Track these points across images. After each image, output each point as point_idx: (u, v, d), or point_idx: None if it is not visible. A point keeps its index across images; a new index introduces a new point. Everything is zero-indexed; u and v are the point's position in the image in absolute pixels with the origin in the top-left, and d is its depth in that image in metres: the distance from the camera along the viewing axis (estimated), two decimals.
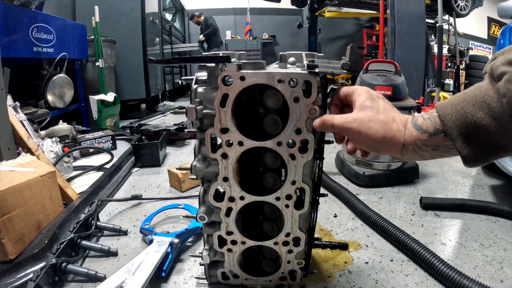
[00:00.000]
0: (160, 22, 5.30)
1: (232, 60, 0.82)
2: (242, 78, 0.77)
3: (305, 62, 0.88)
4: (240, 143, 0.82)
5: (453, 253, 1.33)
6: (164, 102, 5.53)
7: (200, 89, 0.86)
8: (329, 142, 0.92)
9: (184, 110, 0.82)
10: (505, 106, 0.53)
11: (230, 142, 0.83)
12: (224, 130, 0.81)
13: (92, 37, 3.63)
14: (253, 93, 0.84)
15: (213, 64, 0.83)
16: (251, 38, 9.43)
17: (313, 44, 7.80)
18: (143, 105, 4.66)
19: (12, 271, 1.16)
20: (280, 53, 0.99)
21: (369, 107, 0.67)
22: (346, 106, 0.76)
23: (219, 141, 0.87)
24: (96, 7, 3.58)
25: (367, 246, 1.39)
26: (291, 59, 0.96)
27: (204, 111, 0.82)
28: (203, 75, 0.89)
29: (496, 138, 0.55)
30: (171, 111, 5.09)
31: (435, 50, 4.92)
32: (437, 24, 4.32)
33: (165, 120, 4.29)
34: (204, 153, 0.88)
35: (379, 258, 1.30)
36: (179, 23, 8.43)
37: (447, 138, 0.59)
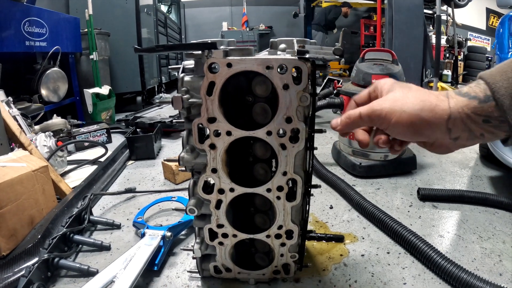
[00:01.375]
0: (155, 14, 5.23)
1: (220, 47, 0.79)
2: (229, 65, 0.75)
3: (296, 48, 0.85)
4: (228, 133, 0.79)
5: (451, 246, 1.31)
6: (160, 95, 5.48)
7: (187, 78, 0.83)
8: (321, 131, 0.89)
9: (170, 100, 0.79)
10: None
11: (218, 132, 0.80)
12: (211, 120, 0.79)
13: (86, 30, 3.58)
14: (241, 80, 0.81)
15: (200, 52, 0.80)
16: (247, 29, 9.38)
17: (309, 34, 7.75)
18: (139, 98, 4.62)
19: (5, 267, 1.15)
20: (271, 39, 0.96)
21: (399, 88, 0.57)
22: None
23: (207, 131, 0.84)
24: (89, 0, 3.53)
25: (363, 238, 1.37)
26: (282, 46, 0.93)
27: (190, 100, 0.79)
28: (190, 63, 0.86)
29: None
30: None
31: (434, 40, 4.87)
32: (435, 14, 4.27)
33: (161, 112, 4.25)
34: (192, 143, 0.85)
35: (375, 250, 1.28)
36: (175, 15, 8.35)
37: (498, 108, 0.50)
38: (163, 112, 4.23)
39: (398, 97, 0.55)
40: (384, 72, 1.94)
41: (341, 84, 3.42)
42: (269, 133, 0.79)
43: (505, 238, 1.35)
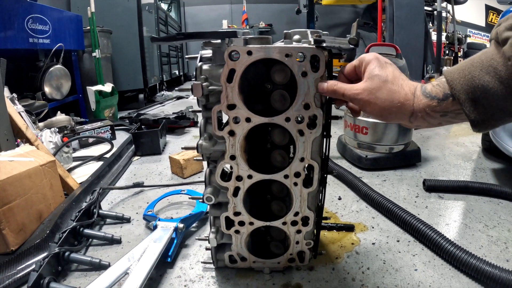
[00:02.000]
0: (156, 12, 5.24)
1: (239, 36, 0.80)
2: (249, 53, 0.76)
3: (311, 38, 0.86)
4: (248, 120, 0.80)
5: (458, 234, 1.33)
6: (162, 92, 5.49)
7: (205, 66, 0.84)
8: (337, 117, 0.90)
9: (190, 88, 0.80)
10: (510, 69, 0.53)
11: (237, 118, 0.81)
12: (231, 107, 0.80)
13: (88, 27, 3.58)
14: (260, 68, 0.82)
15: (219, 41, 0.81)
16: (247, 27, 9.34)
17: None
18: (141, 96, 4.63)
19: (14, 262, 1.14)
20: (285, 31, 0.97)
21: (377, 76, 0.67)
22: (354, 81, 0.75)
23: (224, 119, 0.85)
24: None
25: (373, 227, 1.38)
26: (296, 37, 0.94)
27: (210, 88, 0.80)
28: (207, 52, 0.87)
29: (504, 102, 0.56)
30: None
31: (434, 37, 4.89)
32: (436, 11, 4.28)
33: (164, 109, 4.27)
34: (210, 131, 0.86)
35: (385, 239, 1.30)
36: (175, 13, 8.35)
37: (455, 102, 0.59)
38: (166, 109, 4.24)
39: (374, 88, 0.67)
40: None
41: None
42: (287, 119, 0.81)
43: (510, 226, 1.36)
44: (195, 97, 0.81)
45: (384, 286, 1.05)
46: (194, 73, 0.87)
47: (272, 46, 0.76)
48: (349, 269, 1.13)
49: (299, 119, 0.82)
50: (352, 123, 2.09)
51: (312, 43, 0.80)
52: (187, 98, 5.32)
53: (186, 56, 0.96)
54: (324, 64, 0.77)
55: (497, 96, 0.55)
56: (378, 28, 6.31)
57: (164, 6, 7.29)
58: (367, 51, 2.13)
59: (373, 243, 1.27)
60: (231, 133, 0.83)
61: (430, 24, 6.19)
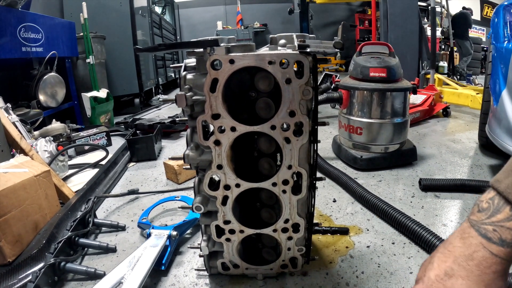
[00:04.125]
0: (149, 16, 5.24)
1: (221, 44, 0.80)
2: (232, 61, 0.75)
3: (296, 43, 0.85)
4: (233, 129, 0.80)
5: None
6: (158, 96, 5.49)
7: (189, 76, 0.83)
8: (324, 124, 0.90)
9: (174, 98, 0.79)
10: None
11: (222, 128, 0.81)
12: (216, 116, 0.79)
13: (82, 34, 3.58)
14: (243, 76, 0.81)
15: (201, 50, 0.80)
16: (242, 27, 9.36)
17: (305, 30, 7.75)
18: (137, 100, 4.63)
19: (12, 274, 1.15)
20: (270, 35, 0.97)
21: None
22: None
23: (211, 128, 0.84)
24: (84, 4, 3.52)
25: (368, 230, 1.38)
26: (282, 41, 0.93)
27: (194, 98, 0.79)
28: (192, 61, 0.86)
29: None
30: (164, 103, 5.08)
31: (429, 32, 4.88)
32: (430, 6, 4.28)
33: (160, 113, 4.26)
34: (196, 141, 0.86)
35: (380, 241, 1.29)
36: (169, 16, 8.35)
37: None
38: (162, 113, 4.24)
39: None
40: (381, 65, 1.94)
41: (338, 78, 3.43)
42: (273, 127, 0.80)
43: None
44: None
45: None
46: (178, 83, 0.86)
47: (254, 53, 0.76)
48: (343, 274, 1.12)
49: (285, 126, 0.81)
50: (347, 124, 2.08)
51: (296, 48, 0.79)
52: None
53: (171, 66, 0.96)
54: (309, 70, 0.77)
55: None
56: (373, 26, 6.31)
57: (158, 9, 7.29)
58: (360, 50, 2.13)
59: (368, 246, 1.27)
60: (217, 143, 0.82)
61: (425, 20, 6.18)
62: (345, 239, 1.32)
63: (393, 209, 1.38)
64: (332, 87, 2.24)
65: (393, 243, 1.28)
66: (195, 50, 0.81)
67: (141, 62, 4.65)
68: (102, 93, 3.56)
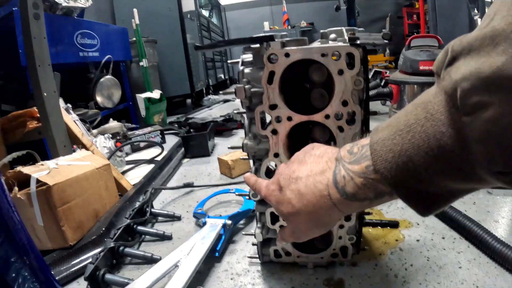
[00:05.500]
0: (197, 19, 5.40)
1: (276, 39, 0.84)
2: (287, 55, 0.80)
3: (346, 36, 0.88)
4: (289, 118, 0.84)
5: (507, 231, 1.27)
6: (209, 96, 5.64)
7: (247, 70, 0.89)
8: (375, 113, 0.92)
9: (234, 91, 0.85)
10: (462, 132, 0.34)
11: (279, 118, 0.85)
12: (273, 107, 0.84)
13: (134, 38, 3.78)
14: (298, 68, 0.85)
15: (258, 45, 0.86)
16: (289, 27, 9.32)
17: (352, 26, 7.58)
18: (189, 100, 4.80)
19: (72, 256, 1.26)
20: (321, 31, 1.00)
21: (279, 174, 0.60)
22: None
23: (267, 119, 0.89)
24: (135, 10, 3.71)
25: (418, 224, 1.37)
26: (332, 36, 0.97)
27: (252, 90, 0.85)
28: (248, 56, 0.92)
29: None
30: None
31: (479, 23, 4.65)
32: None
33: (211, 113, 4.39)
34: (254, 131, 0.91)
35: (430, 235, 1.28)
36: (216, 19, 8.54)
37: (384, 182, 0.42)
38: (213, 113, 4.34)
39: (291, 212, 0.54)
40: (431, 58, 1.91)
41: (388, 74, 3.38)
42: (327, 116, 0.84)
43: None
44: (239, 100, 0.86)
45: (427, 283, 1.04)
46: (237, 77, 0.92)
47: (308, 47, 0.80)
48: (392, 266, 1.13)
49: (338, 116, 0.84)
50: None
51: (347, 41, 0.82)
52: (234, 101, 5.41)
53: (229, 61, 1.02)
54: (359, 61, 0.80)
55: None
56: (421, 19, 6.10)
57: (205, 12, 7.48)
58: (409, 44, 2.10)
59: (418, 240, 1.26)
60: (274, 132, 0.87)
61: (475, 11, 5.88)
62: (395, 232, 1.32)
63: None
64: (382, 83, 2.22)
65: (443, 238, 1.26)
66: (252, 45, 0.87)
67: (191, 64, 4.80)
68: (156, 94, 3.74)
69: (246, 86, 0.84)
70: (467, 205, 1.48)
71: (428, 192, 0.40)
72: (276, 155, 0.89)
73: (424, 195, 0.40)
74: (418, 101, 0.39)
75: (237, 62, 0.93)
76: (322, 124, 0.85)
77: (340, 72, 0.80)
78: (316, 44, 0.93)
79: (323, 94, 0.86)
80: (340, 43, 0.82)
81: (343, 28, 0.97)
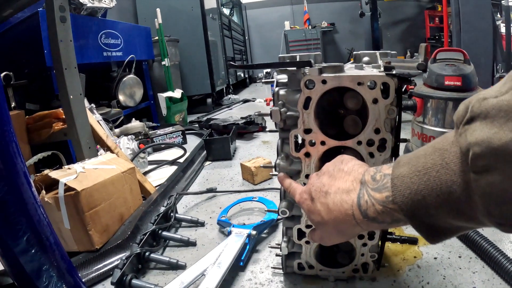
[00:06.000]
0: (219, 18, 5.41)
1: (314, 65, 0.87)
2: (324, 82, 0.82)
3: (380, 62, 0.90)
4: (323, 143, 0.87)
5: None
6: (229, 96, 5.68)
7: (282, 92, 0.92)
8: (405, 140, 0.94)
9: (269, 113, 0.88)
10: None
11: (313, 141, 0.88)
12: (307, 131, 0.87)
13: (156, 38, 3.83)
14: (333, 94, 0.88)
15: (294, 68, 0.88)
16: (310, 27, 9.23)
17: (376, 30, 7.47)
18: (209, 100, 4.81)
19: (98, 259, 1.30)
20: (354, 52, 1.03)
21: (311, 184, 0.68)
22: None
23: (301, 140, 0.92)
24: (158, 10, 3.74)
25: None
26: (366, 59, 0.99)
27: (288, 113, 0.88)
28: (283, 77, 0.94)
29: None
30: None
31: (502, 30, 4.55)
32: (503, 1, 3.98)
33: (232, 113, 4.40)
34: (286, 152, 0.94)
35: (447, 254, 1.29)
36: (237, 17, 8.55)
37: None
38: (234, 113, 4.35)
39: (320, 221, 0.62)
40: (457, 74, 1.90)
41: (413, 85, 3.34)
42: (359, 142, 0.86)
43: None
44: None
45: None
46: (272, 97, 0.95)
47: (345, 75, 0.82)
48: (410, 283, 1.15)
49: (370, 142, 0.87)
50: (420, 132, 2.06)
51: (382, 69, 0.84)
52: (254, 101, 5.46)
53: (263, 81, 1.05)
54: (394, 90, 0.82)
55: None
56: (444, 23, 5.98)
57: (226, 11, 7.49)
58: (435, 57, 2.09)
59: (435, 258, 1.27)
60: (307, 155, 0.90)
61: (498, 16, 5.76)
62: (413, 249, 1.33)
63: None
64: (407, 95, 2.21)
65: (459, 257, 1.27)
66: (288, 68, 0.89)
67: (212, 63, 4.83)
68: (177, 93, 3.78)
69: (282, 109, 0.86)
70: None
71: (436, 225, 0.47)
72: (308, 176, 0.92)
73: (433, 227, 0.47)
74: (438, 145, 0.45)
75: (272, 82, 0.96)
76: (353, 149, 0.88)
77: (375, 101, 0.82)
78: (349, 67, 0.96)
79: (356, 121, 0.88)
80: (376, 71, 0.85)
81: (376, 52, 0.99)
